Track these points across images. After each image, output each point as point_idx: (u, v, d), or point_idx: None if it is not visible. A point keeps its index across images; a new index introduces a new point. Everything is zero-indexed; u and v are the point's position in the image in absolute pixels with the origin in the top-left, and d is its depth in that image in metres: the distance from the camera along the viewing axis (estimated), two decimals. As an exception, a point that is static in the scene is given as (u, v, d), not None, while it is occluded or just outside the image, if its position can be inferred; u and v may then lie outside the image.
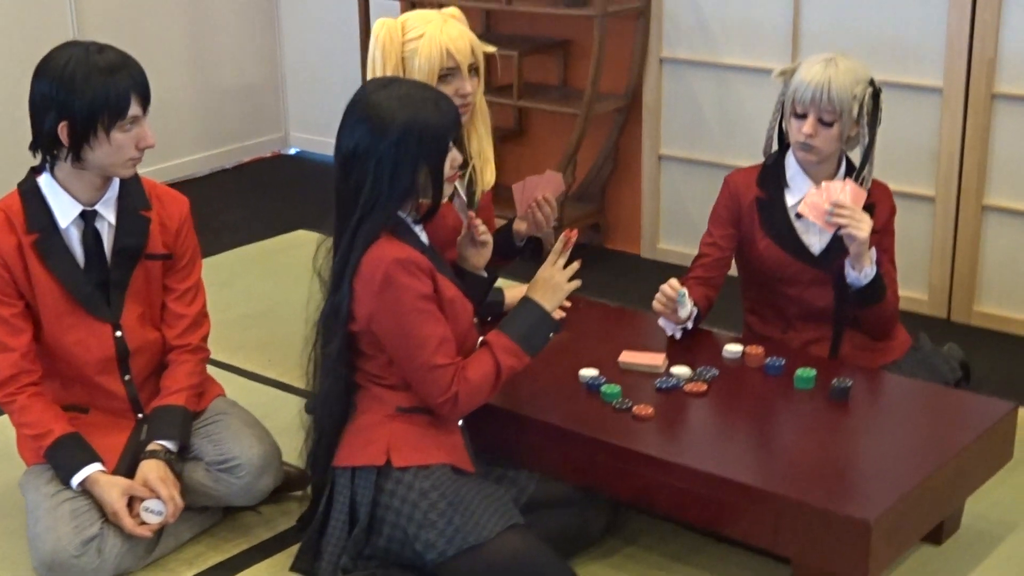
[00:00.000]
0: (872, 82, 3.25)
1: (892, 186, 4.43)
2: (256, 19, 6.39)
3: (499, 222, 3.48)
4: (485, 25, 5.36)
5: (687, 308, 3.24)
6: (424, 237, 2.91)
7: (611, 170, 5.16)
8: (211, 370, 3.92)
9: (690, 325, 3.31)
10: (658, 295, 3.24)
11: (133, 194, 3.06)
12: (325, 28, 6.24)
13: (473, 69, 3.26)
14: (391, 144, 2.75)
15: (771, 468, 2.82)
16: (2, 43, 3.11)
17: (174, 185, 6.04)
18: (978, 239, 4.41)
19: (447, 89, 3.19)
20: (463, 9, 5.16)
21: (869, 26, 4.44)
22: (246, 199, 5.78)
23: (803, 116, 3.24)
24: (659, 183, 5.05)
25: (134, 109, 2.91)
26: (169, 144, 6.07)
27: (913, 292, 4.55)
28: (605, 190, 5.20)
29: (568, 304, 3.35)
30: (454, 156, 2.85)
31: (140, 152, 2.96)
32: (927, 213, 4.48)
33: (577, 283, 2.98)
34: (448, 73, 3.20)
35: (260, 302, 4.57)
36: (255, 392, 3.84)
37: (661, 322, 3.28)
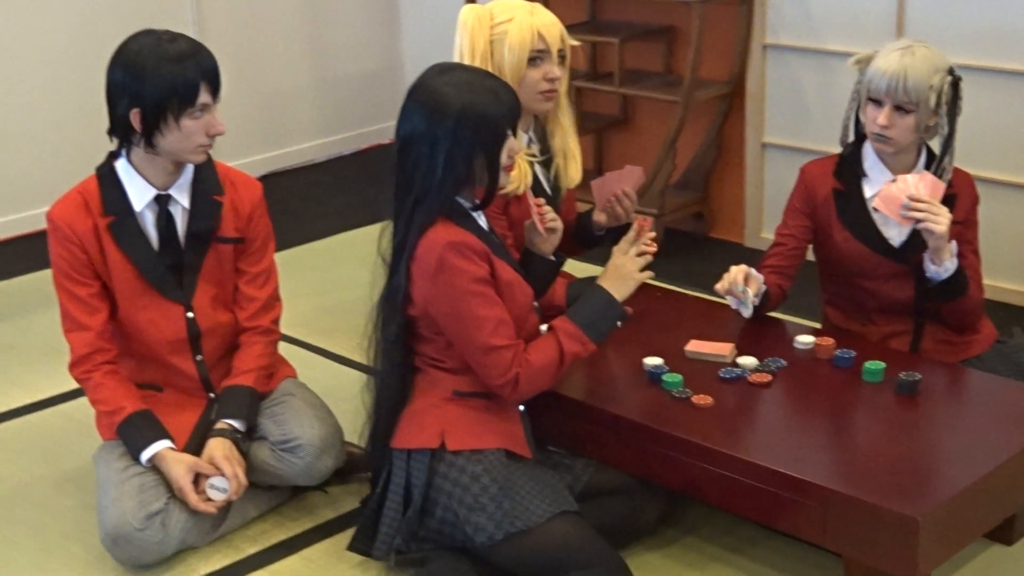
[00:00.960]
0: (951, 71, 3.16)
1: (990, 175, 4.33)
2: (376, 7, 6.47)
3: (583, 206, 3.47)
4: (590, 12, 5.34)
5: (749, 309, 3.20)
6: (483, 221, 2.92)
7: (714, 158, 5.11)
8: (302, 352, 4.05)
9: (755, 303, 3.24)
10: (723, 283, 3.19)
11: (207, 179, 3.13)
12: (443, 16, 6.27)
13: (561, 55, 3.26)
14: (447, 130, 2.77)
15: (823, 462, 2.77)
16: (121, 28, 3.19)
17: (293, 171, 6.26)
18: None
19: (536, 73, 3.20)
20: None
21: (976, 13, 4.31)
22: (362, 186, 5.87)
23: (879, 105, 3.16)
24: (763, 171, 4.98)
25: (203, 97, 2.97)
26: (288, 130, 6.19)
27: (1013, 284, 4.41)
28: (708, 178, 5.14)
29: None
30: (511, 145, 2.85)
31: (210, 139, 3.02)
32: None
33: (648, 274, 2.96)
34: (537, 56, 3.20)
35: (359, 287, 4.63)
36: (341, 375, 3.90)
37: (728, 298, 3.24)
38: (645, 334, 3.26)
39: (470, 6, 3.26)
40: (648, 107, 5.28)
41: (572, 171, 3.39)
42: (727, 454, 2.76)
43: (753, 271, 3.23)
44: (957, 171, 3.29)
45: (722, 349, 3.15)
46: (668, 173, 4.94)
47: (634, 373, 3.10)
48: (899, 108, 3.13)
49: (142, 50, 2.94)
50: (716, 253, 4.94)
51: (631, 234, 2.97)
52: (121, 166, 3.07)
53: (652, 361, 3.10)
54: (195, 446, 3.08)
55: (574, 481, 2.97)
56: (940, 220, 3.09)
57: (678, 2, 4.81)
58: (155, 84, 2.92)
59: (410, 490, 2.88)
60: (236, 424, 3.08)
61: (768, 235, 5.00)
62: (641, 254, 2.96)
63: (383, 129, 6.45)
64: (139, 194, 3.06)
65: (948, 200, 3.16)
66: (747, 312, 3.23)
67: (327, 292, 4.62)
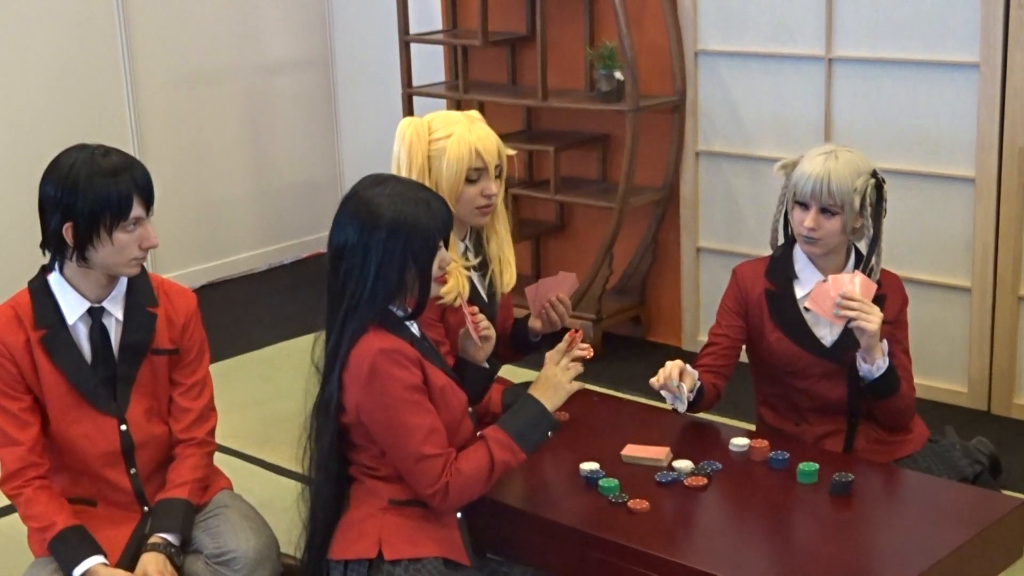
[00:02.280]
0: (875, 173, 3.23)
1: (927, 276, 4.41)
2: (315, 118, 6.52)
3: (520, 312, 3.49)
4: (526, 121, 5.41)
5: (684, 404, 3.21)
6: (415, 329, 2.92)
7: (651, 262, 5.16)
8: (238, 462, 4.01)
9: (690, 398, 3.25)
10: (659, 377, 3.20)
11: (140, 290, 3.11)
12: (382, 127, 6.33)
13: (498, 170, 3.28)
14: (379, 240, 2.78)
15: (758, 564, 2.75)
16: (62, 141, 3.19)
17: (232, 281, 6.25)
18: (1016, 330, 4.32)
19: (473, 190, 3.22)
20: (502, 107, 5.31)
21: (901, 117, 4.41)
22: (301, 295, 5.87)
23: (806, 208, 3.22)
24: (698, 275, 5.03)
25: (136, 211, 2.96)
26: (227, 241, 6.20)
27: (952, 384, 4.46)
28: (645, 282, 5.19)
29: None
30: (443, 256, 2.86)
31: (144, 252, 3.01)
32: (964, 304, 4.40)
33: (579, 385, 2.96)
34: (475, 173, 3.22)
35: (296, 397, 4.60)
36: (278, 485, 3.86)
37: (663, 392, 3.24)
38: (582, 439, 3.26)
39: (409, 119, 3.28)
40: (584, 213, 5.33)
41: (507, 277, 3.41)
42: (665, 559, 2.74)
43: (688, 367, 3.25)
44: (886, 272, 3.34)
45: (658, 453, 3.15)
46: (605, 278, 4.98)
47: (571, 478, 3.08)
48: (825, 210, 3.18)
49: (75, 164, 2.94)
50: (654, 356, 4.93)
51: (563, 344, 2.98)
52: (54, 279, 3.05)
53: (588, 466, 3.09)
54: (129, 561, 3.02)
55: (512, 589, 2.94)
56: (872, 318, 3.12)
57: (612, 111, 4.88)
58: (88, 198, 2.91)
59: (348, 602, 2.84)
60: (170, 538, 3.03)
61: (704, 338, 5.02)
62: (574, 362, 2.96)
63: (322, 238, 6.44)
64: (72, 307, 3.04)
65: (878, 300, 3.20)
66: (682, 407, 3.23)
67: (264, 402, 4.60)
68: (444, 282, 3.14)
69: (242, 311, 5.70)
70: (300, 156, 6.49)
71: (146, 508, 3.13)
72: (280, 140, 6.39)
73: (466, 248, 3.34)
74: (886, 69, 4.41)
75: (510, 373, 3.78)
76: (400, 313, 2.87)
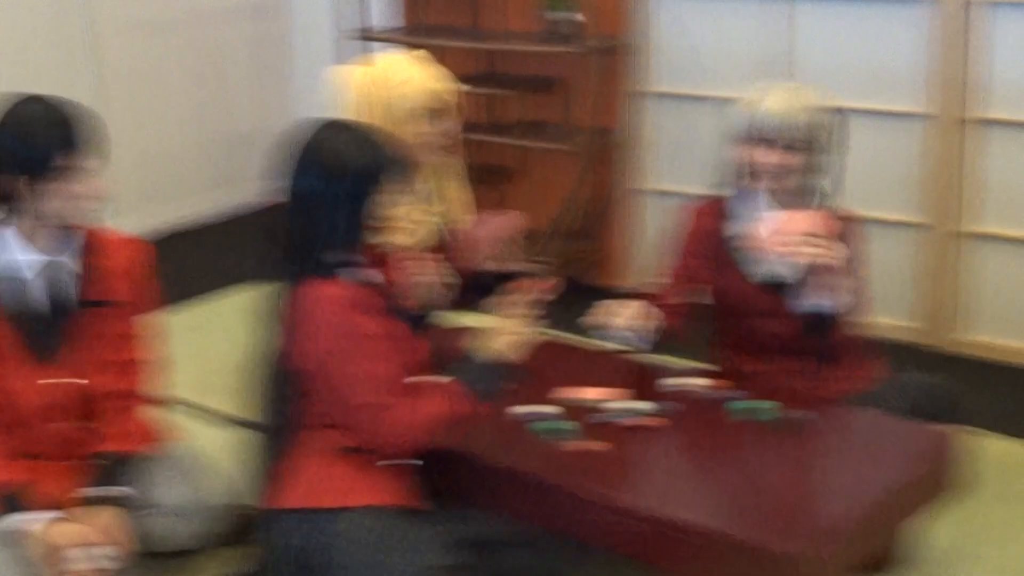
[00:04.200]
0: (837, 110, 3.20)
1: (878, 214, 4.39)
2: (269, 67, 6.45)
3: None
4: (484, 65, 5.36)
5: (645, 345, 3.20)
6: (371, 276, 2.88)
7: (606, 206, 5.12)
8: (188, 413, 3.97)
9: (650, 340, 3.23)
10: (621, 319, 3.17)
11: (92, 242, 3.06)
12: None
13: (456, 109, 3.25)
14: (337, 188, 2.75)
15: (711, 502, 2.77)
16: (22, 87, 3.15)
17: (184, 231, 6.18)
18: (965, 266, 4.32)
19: (433, 130, 3.22)
20: (459, 51, 5.24)
21: (852, 55, 4.39)
22: (254, 243, 5.78)
23: (769, 145, 3.18)
24: (651, 217, 5.00)
25: (86, 161, 2.91)
26: (181, 190, 6.14)
27: (901, 320, 4.47)
28: (600, 226, 5.16)
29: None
30: (398, 201, 2.82)
31: (95, 202, 2.96)
32: (914, 240, 4.40)
33: (536, 334, 2.93)
34: (435, 114, 3.20)
35: (248, 347, 4.58)
36: (228, 436, 3.81)
37: (623, 334, 3.22)
38: (536, 383, 3.23)
39: (361, 68, 3.25)
40: (542, 157, 5.30)
41: (465, 216, 3.39)
42: (619, 498, 2.74)
43: (648, 307, 3.22)
44: (845, 211, 3.32)
45: (613, 394, 3.13)
46: (561, 222, 4.94)
47: (520, 423, 3.07)
48: (788, 147, 3.16)
49: (24, 115, 2.89)
50: (607, 299, 4.92)
51: (519, 293, 2.95)
52: (6, 232, 2.99)
53: (543, 409, 3.07)
54: (77, 515, 2.97)
55: (463, 534, 2.91)
56: (832, 255, 3.10)
57: (568, 53, 4.83)
58: (38, 150, 2.86)
59: (298, 549, 2.81)
60: (116, 491, 2.99)
61: (657, 279, 5.00)
62: (529, 313, 2.93)
63: (276, 188, 6.38)
64: (25, 259, 2.99)
65: (836, 238, 3.17)
66: (640, 347, 3.21)
67: (216, 352, 4.56)
68: (410, 230, 3.11)
69: (192, 261, 5.65)
70: (254, 104, 6.42)
71: (91, 461, 3.08)
72: (234, 88, 6.32)
73: (428, 192, 3.31)
74: (843, 5, 4.38)
75: (470, 320, 3.74)
76: (358, 260, 2.82)
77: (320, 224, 2.75)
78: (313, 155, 2.79)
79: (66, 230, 3.01)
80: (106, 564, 2.91)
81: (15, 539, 2.92)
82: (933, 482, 2.87)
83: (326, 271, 2.76)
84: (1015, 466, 3.53)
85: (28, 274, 2.99)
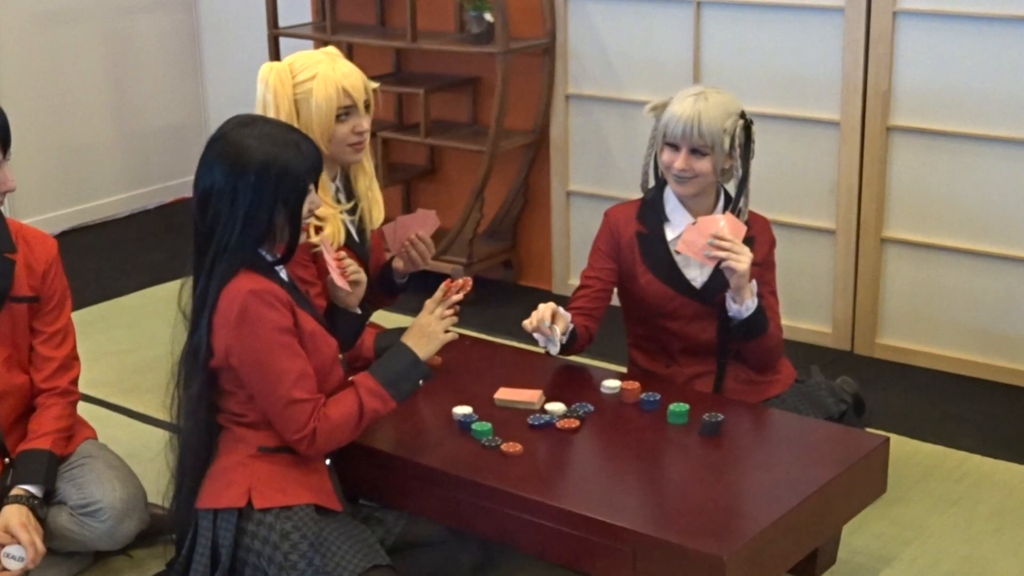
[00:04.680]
0: (743, 115, 3.24)
1: (792, 219, 4.46)
2: (179, 60, 6.36)
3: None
4: (395, 64, 5.34)
5: (556, 347, 3.21)
6: (284, 275, 2.87)
7: (522, 206, 5.14)
8: (103, 412, 3.92)
9: (562, 341, 3.24)
10: (531, 320, 3.19)
11: (-8, 235, 3.01)
12: (247, 69, 6.20)
13: (367, 105, 3.23)
14: (248, 183, 2.72)
15: (631, 505, 2.77)
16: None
17: (95, 227, 6.09)
18: (879, 271, 4.39)
19: (344, 128, 3.18)
20: (371, 49, 5.23)
21: (768, 61, 4.44)
22: (166, 241, 5.75)
23: (676, 149, 3.23)
24: (569, 219, 5.03)
25: None
26: (90, 185, 6.04)
27: (816, 325, 4.53)
28: (516, 226, 5.18)
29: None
30: (313, 200, 2.81)
31: (1, 196, 2.91)
32: (828, 246, 4.46)
33: (453, 336, 2.93)
34: (345, 112, 3.17)
35: (164, 345, 4.52)
36: (145, 434, 3.79)
37: (536, 335, 3.24)
38: (454, 383, 3.25)
39: (270, 64, 3.22)
40: (455, 157, 5.29)
41: (376, 214, 3.38)
42: (538, 501, 2.74)
43: (561, 309, 3.25)
44: (754, 215, 3.36)
45: (530, 396, 3.14)
46: (476, 222, 4.95)
47: (444, 423, 3.08)
48: (695, 151, 3.20)
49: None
50: (525, 300, 4.91)
51: (438, 293, 2.94)
52: (-95, 224, 2.94)
53: (461, 410, 3.08)
54: (-11, 514, 2.94)
55: (386, 534, 2.92)
56: (742, 259, 3.15)
57: (482, 54, 4.84)
58: None
59: (217, 551, 2.79)
60: (33, 489, 2.95)
61: (576, 281, 5.01)
62: (444, 312, 2.93)
63: (187, 183, 6.28)
64: (-76, 253, 2.93)
65: (747, 242, 3.22)
66: (555, 350, 3.23)
67: (131, 350, 4.50)
68: (319, 228, 3.10)
69: (105, 258, 5.57)
70: (164, 99, 6.33)
71: (7, 460, 3.05)
72: (143, 82, 6.22)
73: (337, 188, 3.30)
74: (754, 12, 4.43)
75: (383, 318, 3.74)
76: (270, 258, 2.81)
77: (224, 220, 2.73)
78: (218, 150, 2.77)
79: None
80: (15, 565, 2.88)
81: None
82: (855, 483, 2.91)
83: (233, 266, 2.74)
84: (933, 468, 3.60)
85: None
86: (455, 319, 2.94)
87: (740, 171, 3.28)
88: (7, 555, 2.87)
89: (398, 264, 3.35)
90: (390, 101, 5.29)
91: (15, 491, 2.94)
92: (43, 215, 5.73)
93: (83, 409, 3.25)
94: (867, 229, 4.37)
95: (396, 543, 2.91)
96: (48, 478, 2.99)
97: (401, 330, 3.34)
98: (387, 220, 3.37)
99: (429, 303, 2.94)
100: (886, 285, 4.40)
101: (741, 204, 3.30)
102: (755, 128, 3.29)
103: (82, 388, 3.20)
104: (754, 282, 3.24)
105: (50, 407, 3.07)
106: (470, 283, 2.97)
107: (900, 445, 3.63)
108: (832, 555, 3.10)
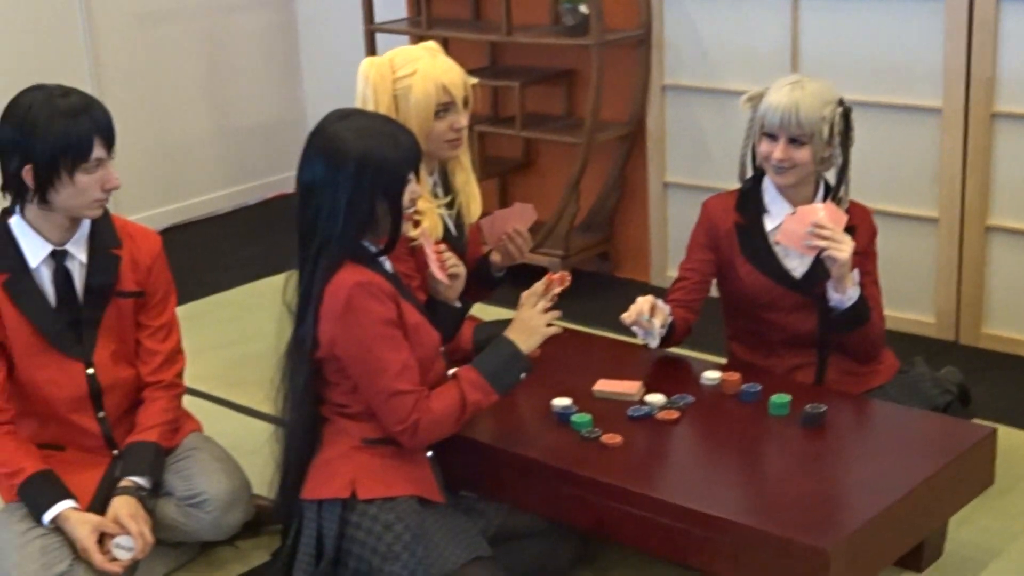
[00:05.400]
0: (841, 102, 3.21)
1: (893, 208, 4.41)
2: (276, 56, 6.44)
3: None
4: (490, 57, 5.36)
5: (656, 340, 3.21)
6: (388, 266, 2.90)
7: (618, 199, 5.14)
8: (208, 405, 3.99)
9: (661, 333, 3.24)
10: (630, 313, 3.19)
11: (103, 233, 3.08)
12: (344, 63, 6.27)
13: (465, 101, 3.25)
14: (348, 176, 2.75)
15: (733, 497, 2.77)
16: (18, 84, 3.13)
17: (196, 223, 6.19)
18: (984, 260, 4.33)
19: (442, 124, 3.20)
20: (467, 43, 5.25)
21: (867, 49, 4.39)
22: (267, 236, 5.83)
23: (774, 139, 3.20)
24: (666, 210, 5.02)
25: (97, 151, 2.92)
26: (191, 182, 6.14)
27: (920, 315, 4.48)
28: (612, 218, 5.17)
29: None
30: (413, 190, 2.84)
31: (106, 194, 2.97)
32: (930, 235, 4.41)
33: (556, 329, 2.93)
34: (443, 108, 3.19)
35: (266, 339, 4.59)
36: (249, 427, 3.84)
37: (634, 328, 3.23)
38: (553, 375, 3.25)
39: (370, 59, 3.25)
40: (550, 150, 5.30)
41: (474, 208, 3.40)
42: (638, 493, 2.75)
43: (659, 302, 3.24)
44: (855, 204, 3.33)
45: (630, 388, 3.15)
46: (572, 215, 4.96)
47: (543, 415, 3.09)
48: (793, 141, 3.18)
49: (33, 105, 2.89)
50: (622, 293, 4.94)
51: (540, 287, 2.95)
52: (15, 223, 3.01)
53: (561, 402, 3.09)
54: (99, 505, 3.00)
55: (486, 525, 2.94)
56: (843, 247, 3.12)
57: (577, 46, 4.84)
58: (47, 140, 2.87)
59: (322, 541, 2.83)
60: (141, 481, 3.02)
61: (673, 273, 4.99)
62: (545, 305, 2.94)
63: (287, 179, 6.38)
64: (34, 250, 3.00)
65: (847, 231, 3.19)
66: (654, 343, 3.23)
67: (232, 344, 4.57)
68: (417, 221, 3.12)
69: (207, 253, 5.66)
70: (263, 95, 6.42)
71: (115, 452, 3.12)
72: (242, 79, 6.31)
73: (435, 183, 3.32)
74: (852, 0, 4.39)
75: (481, 311, 3.76)
76: (373, 249, 2.84)
77: (326, 212, 2.76)
78: (318, 144, 2.80)
79: (75, 220, 3.02)
80: (124, 555, 2.94)
81: (39, 529, 2.94)
82: (961, 475, 2.88)
83: (337, 259, 2.77)
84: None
85: (38, 265, 3.00)
86: (558, 313, 2.94)
87: (840, 159, 3.25)
88: (117, 545, 2.94)
89: (495, 257, 3.36)
90: (485, 95, 5.31)
91: (124, 483, 3.01)
92: (145, 212, 5.83)
93: (188, 402, 3.31)
94: (971, 217, 4.30)
95: (497, 534, 2.94)
96: (155, 470, 3.05)
97: (499, 322, 3.37)
98: (484, 214, 3.38)
99: (529, 296, 2.95)
100: (991, 274, 4.33)
101: (841, 193, 3.27)
102: (854, 116, 3.25)
103: (186, 382, 3.26)
104: (856, 271, 3.21)
105: (156, 400, 3.13)
106: (568, 277, 2.97)
107: (1007, 437, 3.56)
108: (938, 548, 3.07)
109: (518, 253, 3.33)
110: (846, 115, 3.22)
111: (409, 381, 2.78)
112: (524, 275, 3.38)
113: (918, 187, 4.40)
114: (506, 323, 3.01)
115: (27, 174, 2.90)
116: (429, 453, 2.93)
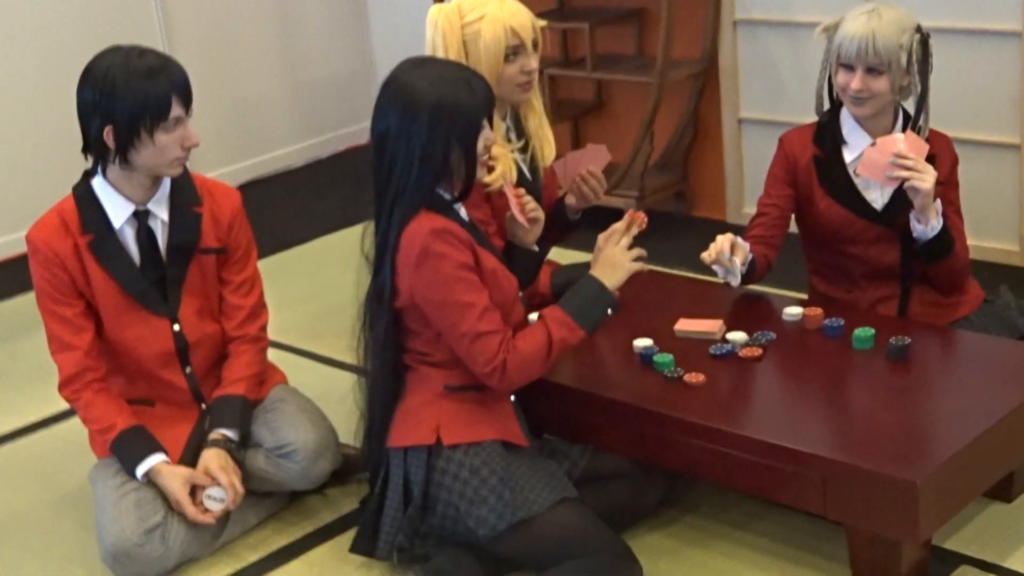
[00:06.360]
0: (919, 29, 3.16)
1: (974, 136, 4.34)
2: (344, 9, 6.45)
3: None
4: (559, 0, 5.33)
5: (737, 278, 3.20)
6: (464, 213, 2.91)
7: (692, 137, 5.10)
8: (291, 357, 4.04)
9: (742, 271, 3.23)
10: (710, 252, 3.18)
11: (184, 191, 3.12)
12: (412, 14, 6.27)
13: (534, 44, 3.25)
14: (422, 124, 2.76)
15: (819, 432, 2.76)
16: (90, 46, 3.18)
17: (271, 178, 6.25)
18: (1068, 185, 4.26)
19: (512, 68, 3.20)
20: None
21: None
22: (341, 189, 5.87)
23: (851, 70, 3.16)
24: (741, 147, 4.98)
25: (176, 110, 2.95)
26: (264, 137, 6.19)
27: (1003, 243, 4.42)
28: (687, 158, 5.15)
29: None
30: (487, 136, 2.84)
31: (186, 152, 3.01)
32: (1013, 161, 4.33)
33: (640, 266, 2.92)
34: (513, 51, 3.19)
35: (345, 290, 4.63)
36: (332, 378, 3.89)
37: (715, 267, 3.23)
38: (633, 316, 3.25)
39: (438, 6, 3.24)
40: (622, 90, 5.27)
41: (548, 152, 3.40)
42: (723, 431, 2.76)
43: (739, 239, 3.23)
44: (935, 133, 3.29)
45: (711, 326, 3.14)
46: (647, 155, 4.94)
47: (625, 356, 3.10)
48: (871, 70, 3.14)
49: (111, 67, 2.93)
50: (699, 232, 4.92)
51: (622, 224, 2.94)
52: (98, 184, 3.06)
53: (642, 343, 3.10)
54: (190, 458, 3.07)
55: (572, 467, 2.96)
56: (926, 177, 3.08)
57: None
58: (126, 101, 2.91)
59: (409, 488, 2.87)
60: (230, 433, 3.08)
61: (750, 210, 4.95)
62: (627, 245, 2.94)
63: (359, 131, 6.43)
64: (117, 211, 3.05)
65: (928, 160, 3.14)
66: (735, 281, 3.22)
67: (313, 297, 4.62)
68: (491, 167, 3.12)
69: (283, 208, 5.71)
70: (332, 48, 6.44)
71: (204, 406, 3.18)
72: (310, 33, 6.33)
73: (508, 128, 3.32)
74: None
75: (557, 255, 3.77)
76: (447, 196, 2.86)
77: (401, 161, 2.77)
78: (390, 93, 2.81)
79: (156, 179, 3.06)
80: (216, 506, 3.00)
81: (132, 483, 3.01)
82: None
83: (413, 207, 2.79)
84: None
85: (122, 225, 3.05)
86: (642, 252, 2.94)
87: (919, 88, 3.20)
88: (208, 496, 3.00)
89: (570, 200, 3.36)
90: (555, 37, 5.29)
91: (213, 435, 3.07)
92: (222, 169, 5.89)
93: (272, 355, 3.35)
94: (1054, 142, 4.23)
95: (582, 476, 2.95)
96: (243, 422, 3.11)
97: (577, 266, 3.38)
98: (558, 157, 3.38)
99: (610, 235, 2.93)
100: (1076, 200, 4.27)
101: (921, 122, 3.23)
102: (932, 42, 3.21)
103: (270, 335, 3.30)
104: (938, 201, 3.17)
105: (242, 354, 3.18)
106: (645, 218, 2.96)
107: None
108: (1029, 477, 3.05)
109: (593, 195, 3.32)
110: (924, 42, 3.17)
111: (493, 322, 2.79)
112: (600, 218, 3.37)
113: (998, 113, 4.32)
114: (584, 266, 3.01)
115: (108, 135, 2.94)
116: (512, 398, 2.95)
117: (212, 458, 3.02)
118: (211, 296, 3.18)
